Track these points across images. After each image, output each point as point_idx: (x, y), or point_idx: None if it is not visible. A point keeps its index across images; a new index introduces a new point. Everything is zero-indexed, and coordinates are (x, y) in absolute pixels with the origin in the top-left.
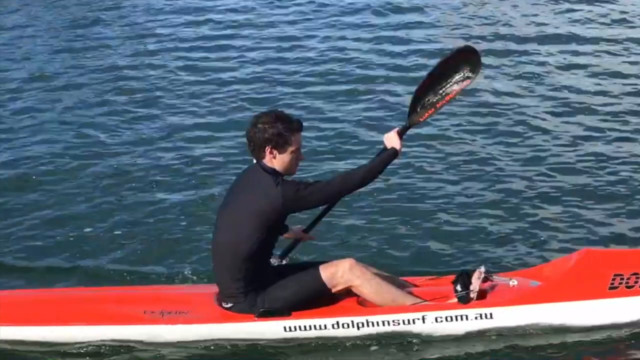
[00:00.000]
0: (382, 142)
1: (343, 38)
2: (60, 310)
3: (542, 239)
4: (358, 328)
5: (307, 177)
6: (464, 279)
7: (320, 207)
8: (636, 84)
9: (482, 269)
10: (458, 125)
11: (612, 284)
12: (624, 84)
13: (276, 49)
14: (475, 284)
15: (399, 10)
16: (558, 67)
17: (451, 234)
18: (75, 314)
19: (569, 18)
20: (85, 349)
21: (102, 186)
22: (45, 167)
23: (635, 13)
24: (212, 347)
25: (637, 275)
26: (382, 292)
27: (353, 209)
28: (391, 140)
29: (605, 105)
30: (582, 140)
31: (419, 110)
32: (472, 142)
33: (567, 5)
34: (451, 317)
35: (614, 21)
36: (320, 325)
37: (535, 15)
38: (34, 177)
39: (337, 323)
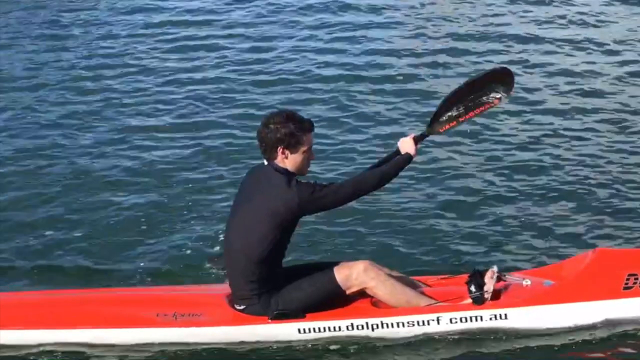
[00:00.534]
0: (345, 144)
1: (301, 38)
2: (66, 313)
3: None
4: (372, 329)
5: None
6: (478, 279)
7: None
8: (590, 83)
9: (495, 268)
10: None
11: (626, 283)
12: (578, 82)
13: (235, 50)
14: (490, 284)
15: (357, 10)
16: (514, 66)
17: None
18: (84, 316)
19: (526, 18)
20: (97, 354)
21: (60, 188)
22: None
23: (591, 13)
24: (225, 350)
25: None
26: (397, 293)
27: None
28: (406, 145)
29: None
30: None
31: (441, 120)
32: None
33: (524, 6)
34: (466, 318)
35: (570, 22)
36: (334, 327)
37: (493, 15)
38: None
39: (352, 325)
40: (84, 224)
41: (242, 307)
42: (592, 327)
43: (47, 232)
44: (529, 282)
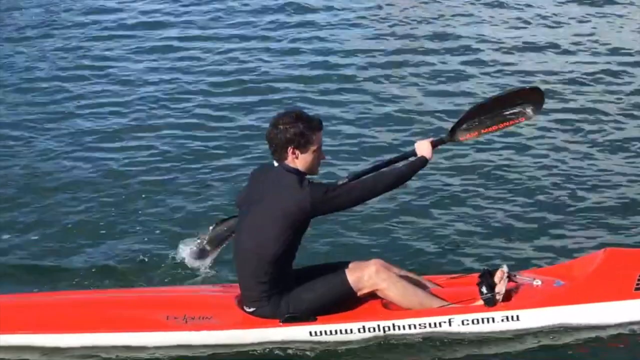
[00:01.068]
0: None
1: (256, 39)
2: (71, 316)
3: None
4: (384, 332)
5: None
6: (488, 279)
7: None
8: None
9: (505, 268)
10: None
11: (637, 284)
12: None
13: (191, 52)
14: (501, 286)
15: (312, 10)
16: (473, 67)
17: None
18: (91, 320)
19: (484, 19)
20: (105, 357)
21: (15, 190)
22: None
23: (546, 14)
24: (236, 353)
25: None
26: (409, 294)
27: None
28: (423, 148)
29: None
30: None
31: (463, 129)
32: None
33: (480, 8)
34: (477, 320)
35: (526, 22)
36: (346, 330)
37: (448, 16)
38: None
39: (363, 327)
40: (39, 226)
41: (252, 310)
42: (603, 328)
43: (2, 235)
44: (539, 283)
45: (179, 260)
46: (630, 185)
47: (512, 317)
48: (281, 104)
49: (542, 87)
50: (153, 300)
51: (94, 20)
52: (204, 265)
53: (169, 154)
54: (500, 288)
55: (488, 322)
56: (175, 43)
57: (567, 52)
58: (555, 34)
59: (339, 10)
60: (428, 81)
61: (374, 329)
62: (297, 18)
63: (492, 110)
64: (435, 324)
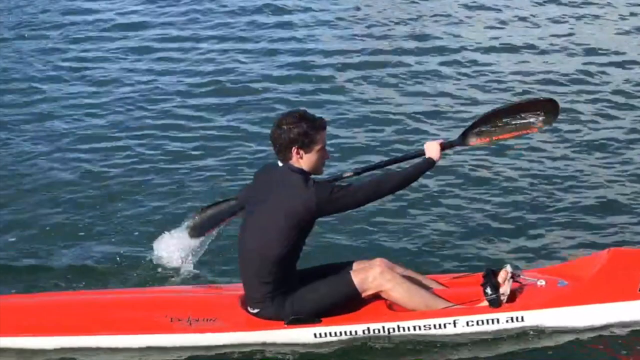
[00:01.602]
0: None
1: (231, 40)
2: (73, 318)
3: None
4: (389, 333)
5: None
6: (492, 280)
7: None
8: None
9: (509, 268)
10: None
11: None
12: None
13: (167, 52)
14: (506, 286)
15: (289, 11)
16: (449, 67)
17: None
18: (93, 321)
19: (457, 19)
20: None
21: None
22: None
23: (523, 15)
24: (241, 355)
25: None
26: (414, 296)
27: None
28: (432, 149)
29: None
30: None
31: (474, 132)
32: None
33: (456, 8)
34: (482, 321)
35: (502, 22)
36: (351, 332)
37: (425, 17)
38: None
39: (368, 329)
40: (16, 227)
41: (256, 311)
42: (608, 329)
43: None
44: (543, 283)
45: (155, 260)
46: (611, 186)
47: (517, 318)
48: (259, 105)
49: (519, 87)
50: (156, 301)
51: (71, 22)
52: (182, 261)
53: (146, 155)
54: (505, 289)
55: (493, 323)
56: (153, 44)
57: (543, 52)
58: (532, 34)
59: (316, 11)
60: (405, 82)
61: (378, 330)
62: (274, 19)
63: (505, 118)
64: (440, 325)
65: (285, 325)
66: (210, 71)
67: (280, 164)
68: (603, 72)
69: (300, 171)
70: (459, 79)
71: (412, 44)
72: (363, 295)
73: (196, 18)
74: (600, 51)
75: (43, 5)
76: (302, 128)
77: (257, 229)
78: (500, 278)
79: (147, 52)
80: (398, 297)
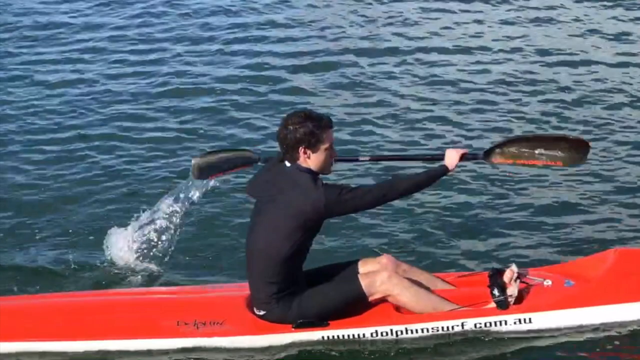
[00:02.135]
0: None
1: (183, 42)
2: (77, 322)
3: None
4: (397, 336)
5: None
6: (498, 280)
7: None
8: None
9: (514, 267)
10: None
11: None
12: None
13: (123, 54)
14: (513, 288)
15: (240, 14)
16: (398, 67)
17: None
18: (98, 325)
19: (412, 21)
20: None
21: None
22: None
23: (477, 18)
24: (248, 358)
25: None
26: (421, 299)
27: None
28: (451, 157)
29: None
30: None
31: (499, 151)
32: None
33: (411, 11)
34: (490, 323)
35: (464, 22)
36: (359, 335)
37: (381, 18)
38: None
39: (376, 332)
40: None
41: (262, 313)
42: (617, 331)
43: None
44: (549, 283)
45: (110, 261)
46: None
47: (525, 319)
48: (212, 107)
49: (471, 87)
50: (162, 304)
51: (22, 24)
52: (135, 256)
53: (98, 158)
54: (513, 290)
55: (501, 325)
56: (106, 46)
57: (495, 53)
58: (484, 35)
59: (269, 13)
60: (359, 83)
61: (386, 333)
62: (228, 21)
63: (533, 146)
64: (448, 327)
65: (293, 329)
66: (163, 73)
67: (288, 164)
68: (557, 72)
69: (309, 171)
70: (413, 81)
71: (364, 45)
72: (370, 299)
73: (149, 21)
74: (554, 52)
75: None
76: (308, 127)
77: (265, 229)
78: (506, 278)
79: (100, 54)
80: (406, 301)
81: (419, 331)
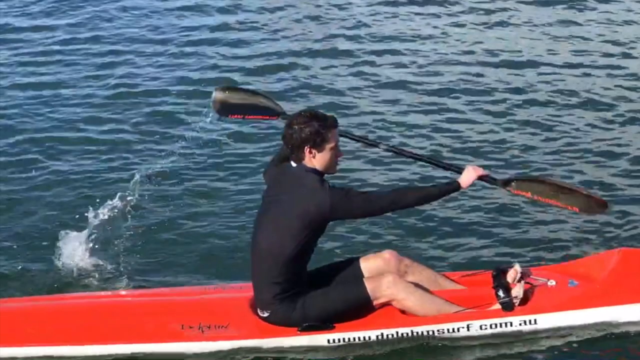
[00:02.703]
0: None
1: (134, 43)
2: (78, 325)
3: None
4: (403, 338)
5: None
6: (502, 280)
7: None
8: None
9: (518, 267)
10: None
11: None
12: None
13: (80, 55)
14: (518, 289)
15: (206, 13)
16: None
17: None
18: (101, 329)
19: (379, 23)
20: None
21: None
22: None
23: (436, 25)
24: None
25: None
26: (426, 303)
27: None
28: (468, 175)
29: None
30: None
31: (520, 183)
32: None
33: (360, 13)
34: (495, 325)
35: (433, 21)
36: (364, 337)
37: (343, 18)
38: None
39: (382, 334)
40: None
41: (266, 315)
42: (622, 331)
43: None
44: (553, 283)
45: (62, 264)
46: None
47: (530, 321)
48: (163, 110)
49: (424, 87)
50: (166, 306)
51: None
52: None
53: (46, 162)
54: (518, 292)
55: (506, 326)
56: (55, 48)
57: (446, 55)
58: (436, 38)
59: (223, 14)
60: (310, 86)
61: (392, 335)
62: (181, 24)
63: (555, 189)
64: (453, 329)
65: (299, 332)
66: (114, 77)
67: (293, 164)
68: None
69: (314, 171)
70: (365, 84)
71: (317, 47)
72: (374, 303)
73: (100, 24)
74: (504, 53)
75: None
76: (314, 127)
77: (271, 229)
78: (509, 277)
79: (51, 57)
80: (411, 305)
81: (425, 333)
